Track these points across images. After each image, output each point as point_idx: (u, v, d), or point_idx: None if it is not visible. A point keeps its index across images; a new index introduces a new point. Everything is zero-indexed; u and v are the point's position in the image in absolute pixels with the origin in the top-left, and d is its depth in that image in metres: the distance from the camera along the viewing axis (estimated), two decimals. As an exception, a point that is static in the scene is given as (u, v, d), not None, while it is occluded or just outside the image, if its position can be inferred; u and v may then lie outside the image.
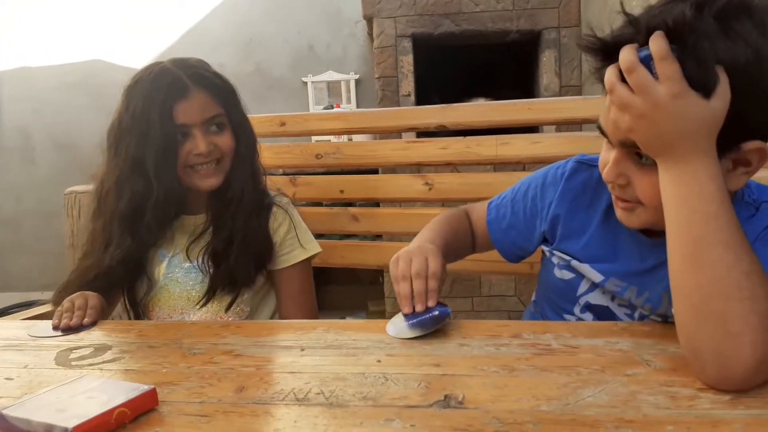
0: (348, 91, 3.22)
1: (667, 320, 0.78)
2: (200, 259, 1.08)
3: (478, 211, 1.02)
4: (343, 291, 3.07)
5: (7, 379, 0.69)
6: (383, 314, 2.75)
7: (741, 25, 0.60)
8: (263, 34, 3.28)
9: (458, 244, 1.00)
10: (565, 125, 1.66)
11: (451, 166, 1.37)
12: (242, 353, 0.73)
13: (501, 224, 0.97)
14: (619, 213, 0.77)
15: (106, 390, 0.58)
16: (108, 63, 3.33)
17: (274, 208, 1.15)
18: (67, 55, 3.36)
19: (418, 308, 0.78)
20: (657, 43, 0.59)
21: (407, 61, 2.64)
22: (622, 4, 0.67)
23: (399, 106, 2.66)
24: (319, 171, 1.51)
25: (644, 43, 0.61)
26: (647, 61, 0.61)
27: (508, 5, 2.60)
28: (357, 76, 3.22)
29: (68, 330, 0.87)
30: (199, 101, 1.04)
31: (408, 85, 2.66)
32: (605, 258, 0.83)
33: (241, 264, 1.07)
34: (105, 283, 1.04)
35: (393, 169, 1.74)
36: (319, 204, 1.53)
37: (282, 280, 1.14)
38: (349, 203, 1.51)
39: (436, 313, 0.78)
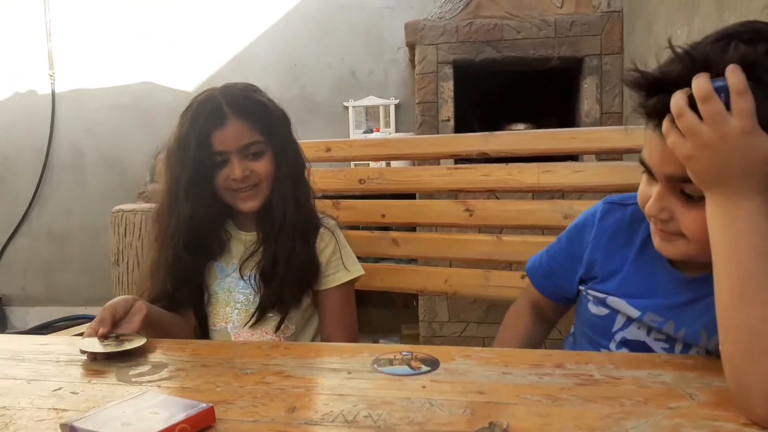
0: (387, 115, 3.27)
1: (708, 353, 0.78)
2: (252, 277, 1.13)
3: (527, 287, 1.06)
4: (378, 314, 3.09)
5: (72, 393, 0.73)
6: (417, 338, 2.76)
7: None
8: (307, 60, 3.37)
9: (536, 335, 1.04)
10: (606, 155, 1.66)
11: (491, 193, 1.38)
12: (292, 374, 0.76)
13: (540, 271, 1.00)
14: (657, 242, 0.77)
15: (167, 406, 0.62)
16: (157, 85, 3.46)
17: (321, 230, 1.18)
18: (119, 77, 3.50)
19: None
20: (736, 77, 0.59)
21: (448, 87, 2.68)
22: (669, 40, 0.68)
23: (438, 131, 2.69)
24: (361, 195, 1.54)
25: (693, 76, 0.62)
26: (719, 92, 0.61)
27: (550, 33, 2.62)
28: (397, 101, 3.27)
29: (108, 337, 0.89)
30: (234, 129, 1.08)
31: (448, 110, 2.69)
32: (641, 293, 0.83)
33: (287, 284, 1.11)
34: (170, 303, 1.10)
35: (431, 194, 1.77)
36: (360, 227, 1.56)
37: (325, 300, 1.18)
38: (389, 227, 1.53)
39: None
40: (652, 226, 0.78)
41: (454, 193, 1.50)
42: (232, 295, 1.16)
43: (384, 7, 3.29)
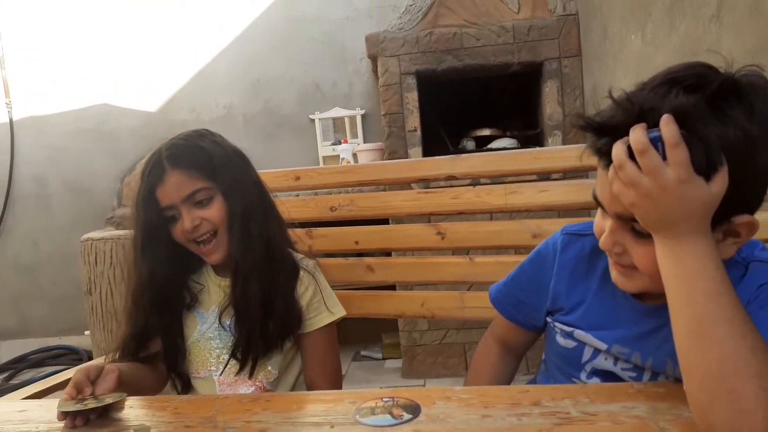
0: (354, 126, 3.27)
1: (677, 380, 0.81)
2: (230, 324, 1.13)
3: (495, 321, 1.06)
4: (358, 323, 3.08)
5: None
6: (397, 347, 2.78)
7: (731, 108, 0.64)
8: (271, 73, 3.35)
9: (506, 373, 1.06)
10: (571, 173, 1.69)
11: (463, 215, 1.40)
12: (275, 431, 0.76)
13: (509, 300, 1.00)
14: (615, 276, 0.80)
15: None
16: (119, 107, 3.41)
17: (301, 273, 1.17)
18: (78, 101, 3.44)
19: None
20: (669, 129, 0.61)
21: (412, 98, 2.70)
22: (610, 90, 0.71)
23: (406, 141, 2.71)
24: (333, 222, 1.55)
25: (634, 124, 0.64)
26: (655, 142, 0.63)
27: (509, 39, 2.66)
28: (363, 111, 3.28)
29: (85, 399, 0.87)
30: (175, 181, 1.07)
31: (414, 120, 2.71)
32: (605, 325, 0.86)
33: (264, 328, 1.10)
34: (140, 355, 1.10)
35: (402, 219, 1.78)
36: (334, 255, 1.57)
37: (308, 343, 1.17)
38: (363, 254, 1.55)
39: None
40: (609, 260, 0.81)
41: (427, 217, 1.52)
42: (212, 343, 1.15)
43: (344, 17, 3.29)
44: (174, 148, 1.08)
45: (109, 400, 0.86)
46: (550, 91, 2.66)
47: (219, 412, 0.85)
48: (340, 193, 1.60)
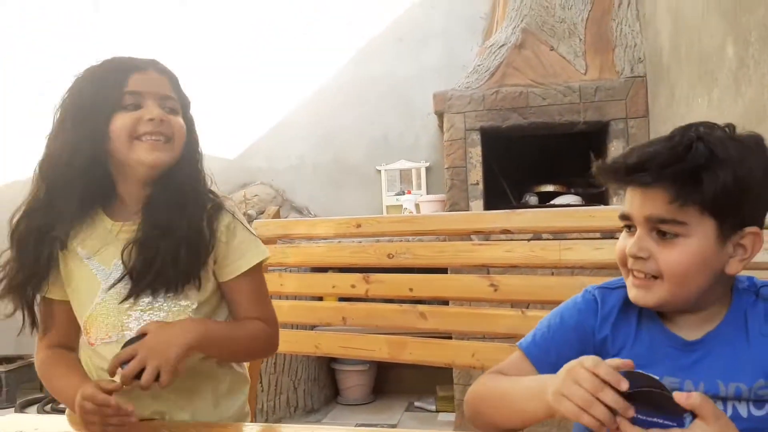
0: (419, 177, 3.37)
1: (724, 401, 0.81)
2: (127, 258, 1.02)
3: (511, 364, 0.97)
4: (412, 373, 3.10)
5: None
6: (452, 400, 2.76)
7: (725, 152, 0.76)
8: (341, 126, 3.52)
9: None
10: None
11: (517, 269, 1.43)
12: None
13: (548, 356, 0.94)
14: (634, 293, 0.83)
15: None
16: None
17: (222, 211, 1.08)
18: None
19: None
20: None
21: (476, 153, 2.77)
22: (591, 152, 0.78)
23: (468, 194, 2.76)
24: (390, 269, 1.61)
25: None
26: None
27: (575, 98, 2.70)
28: (428, 164, 3.37)
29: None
30: (156, 77, 1.03)
31: (476, 174, 2.77)
32: (651, 363, 0.87)
33: (175, 258, 1.00)
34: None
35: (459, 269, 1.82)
36: (389, 301, 1.62)
37: (237, 287, 1.09)
38: (418, 301, 1.59)
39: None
40: (628, 281, 0.84)
41: (486, 269, 1.56)
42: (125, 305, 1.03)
43: (413, 75, 3.43)
44: (159, 63, 1.06)
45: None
46: (615, 150, 2.67)
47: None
48: (400, 241, 1.66)
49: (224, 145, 3.60)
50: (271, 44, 3.61)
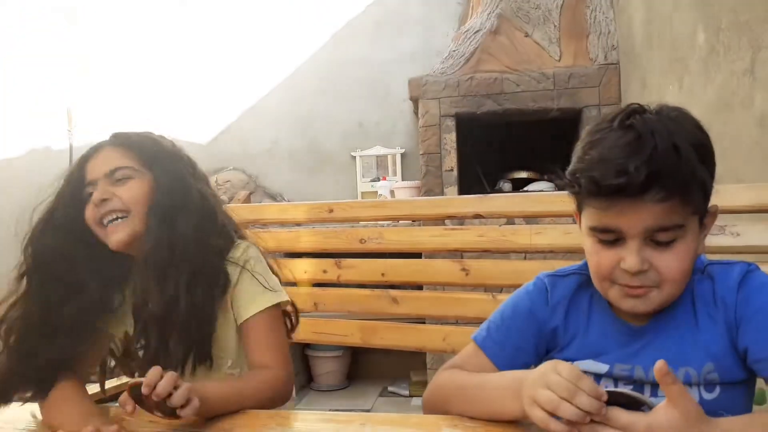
0: (394, 164, 3.35)
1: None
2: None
3: (467, 358, 0.96)
4: (385, 360, 3.11)
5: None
6: (425, 385, 2.77)
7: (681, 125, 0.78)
8: (316, 112, 3.48)
9: None
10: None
11: (488, 253, 1.43)
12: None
13: (504, 350, 0.94)
14: (629, 303, 0.81)
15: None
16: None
17: (230, 269, 1.05)
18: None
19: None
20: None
21: (450, 139, 2.76)
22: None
23: (442, 180, 2.76)
24: (362, 253, 1.59)
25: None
26: None
27: (549, 85, 2.70)
28: (403, 150, 3.36)
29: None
30: (104, 155, 1.04)
31: (451, 160, 2.77)
32: (602, 350, 0.87)
33: (173, 344, 0.97)
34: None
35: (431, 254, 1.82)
36: (361, 286, 1.61)
37: (248, 329, 1.05)
38: (391, 286, 1.58)
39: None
40: (615, 292, 0.81)
41: (459, 253, 1.55)
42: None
43: (390, 60, 3.41)
44: (120, 134, 1.07)
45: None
46: (588, 137, 2.68)
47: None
48: (372, 226, 1.65)
49: (196, 129, 3.53)
50: (245, 26, 3.55)
